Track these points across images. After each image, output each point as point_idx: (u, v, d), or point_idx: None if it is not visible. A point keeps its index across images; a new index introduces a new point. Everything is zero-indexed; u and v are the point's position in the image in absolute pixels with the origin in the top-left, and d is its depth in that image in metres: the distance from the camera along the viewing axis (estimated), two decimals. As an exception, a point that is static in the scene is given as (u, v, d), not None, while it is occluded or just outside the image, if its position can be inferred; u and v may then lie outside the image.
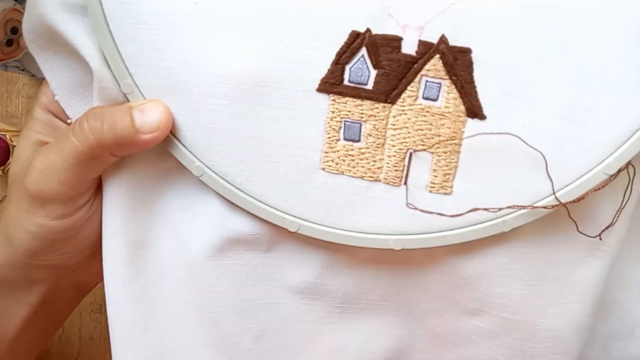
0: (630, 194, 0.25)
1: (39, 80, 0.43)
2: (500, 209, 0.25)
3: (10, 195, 0.28)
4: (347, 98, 0.25)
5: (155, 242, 0.28)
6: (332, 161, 0.26)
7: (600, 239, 0.26)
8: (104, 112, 0.26)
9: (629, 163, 0.25)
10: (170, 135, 0.27)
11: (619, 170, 0.24)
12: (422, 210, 0.25)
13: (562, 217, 0.26)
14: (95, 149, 0.26)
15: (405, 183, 0.26)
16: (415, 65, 0.24)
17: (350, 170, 0.26)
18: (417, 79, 0.25)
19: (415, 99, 0.25)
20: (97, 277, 0.29)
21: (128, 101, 0.26)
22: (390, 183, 0.26)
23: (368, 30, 0.24)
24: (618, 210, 0.26)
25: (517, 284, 0.27)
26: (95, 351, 0.42)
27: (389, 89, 0.25)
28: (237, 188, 0.27)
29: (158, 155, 0.27)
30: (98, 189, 0.28)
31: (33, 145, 0.28)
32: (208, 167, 0.27)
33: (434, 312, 0.29)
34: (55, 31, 0.26)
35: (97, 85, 0.26)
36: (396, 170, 0.26)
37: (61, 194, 0.26)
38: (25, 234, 0.27)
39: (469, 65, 0.24)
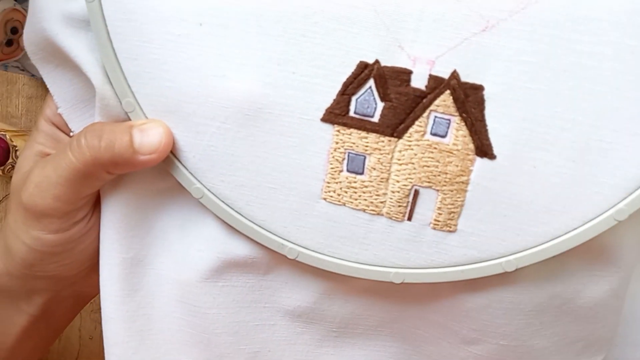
0: None
1: (39, 80, 0.42)
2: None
3: (10, 205, 0.28)
4: (352, 130, 0.24)
5: (151, 261, 0.28)
6: (334, 192, 0.25)
7: None
8: (103, 129, 0.25)
9: None
10: (171, 156, 0.26)
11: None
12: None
13: (566, 254, 0.25)
14: (91, 166, 0.25)
15: (410, 219, 0.25)
16: (424, 100, 0.24)
17: (352, 202, 0.25)
18: (425, 114, 0.24)
19: (423, 135, 0.24)
20: (97, 289, 0.29)
21: (129, 119, 0.26)
22: (393, 218, 0.25)
23: (377, 61, 0.23)
24: None
25: (517, 314, 0.27)
26: (95, 351, 0.43)
27: (395, 123, 0.24)
28: (236, 212, 0.26)
29: (158, 174, 0.27)
30: (96, 204, 0.28)
31: (35, 157, 0.28)
32: (208, 190, 0.26)
33: (432, 340, 0.29)
34: (57, 46, 0.25)
35: (99, 102, 0.26)
36: (399, 206, 0.25)
37: (56, 209, 0.26)
38: (22, 245, 0.27)
39: (481, 102, 0.23)
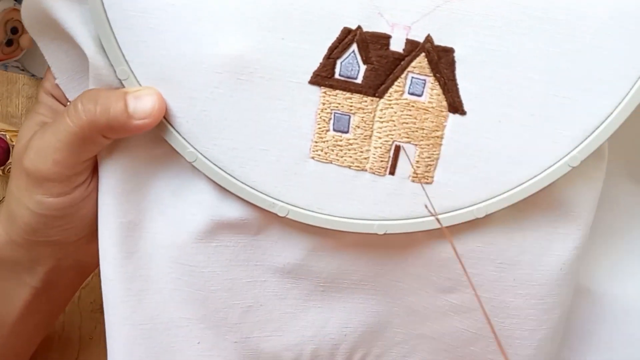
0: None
1: (39, 80, 0.43)
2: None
3: (13, 172, 0.29)
4: (337, 91, 0.27)
5: (147, 225, 0.29)
6: (322, 150, 0.27)
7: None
8: (99, 95, 0.26)
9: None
10: (165, 122, 0.27)
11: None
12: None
13: (530, 204, 0.28)
14: (88, 130, 0.26)
15: (393, 173, 0.27)
16: (402, 62, 0.26)
17: (338, 160, 0.27)
18: (403, 75, 0.26)
19: (402, 94, 0.27)
20: (97, 259, 0.30)
21: (124, 87, 0.27)
22: (376, 173, 0.28)
23: (359, 27, 0.26)
24: None
25: (489, 265, 0.29)
26: (95, 351, 0.43)
27: (377, 84, 0.26)
28: (229, 174, 0.28)
29: (152, 140, 0.28)
30: (95, 169, 0.29)
31: (36, 127, 0.29)
32: (201, 154, 0.28)
33: (411, 290, 0.31)
34: (52, 18, 0.26)
35: (92, 72, 0.27)
36: (381, 161, 0.27)
37: (57, 173, 0.27)
38: (25, 209, 0.28)
39: (452, 63, 0.26)
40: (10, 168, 0.40)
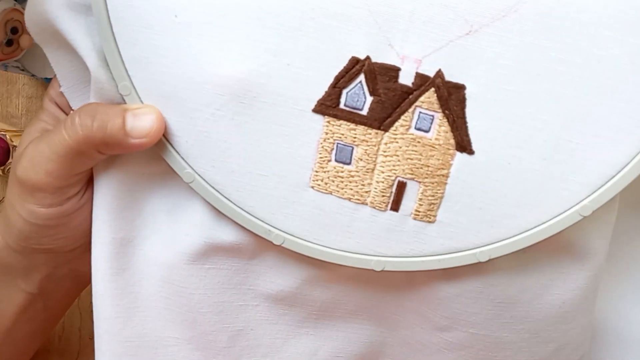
0: None
1: (39, 80, 0.43)
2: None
3: (9, 179, 0.29)
4: (341, 121, 0.26)
5: (140, 243, 0.29)
6: (322, 180, 0.27)
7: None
8: (97, 110, 0.26)
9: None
10: (164, 140, 0.27)
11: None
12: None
13: (536, 248, 0.27)
14: (83, 145, 0.26)
15: (395, 209, 0.26)
16: (410, 96, 0.25)
17: (338, 191, 0.27)
18: (411, 110, 0.25)
19: (408, 129, 0.26)
20: None
21: (124, 102, 0.27)
22: (377, 207, 0.27)
23: (368, 57, 0.25)
24: None
25: (488, 305, 0.28)
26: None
27: (383, 117, 0.26)
28: (225, 198, 0.27)
29: (150, 158, 0.28)
30: (90, 181, 0.29)
31: (37, 133, 0.29)
32: (199, 175, 0.27)
33: (406, 324, 0.30)
34: (56, 28, 0.26)
35: (93, 85, 0.26)
36: (383, 196, 0.26)
37: (48, 183, 0.27)
38: (18, 217, 0.28)
39: (462, 100, 0.25)
40: (10, 168, 0.40)
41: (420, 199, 0.26)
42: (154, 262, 0.29)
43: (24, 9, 0.27)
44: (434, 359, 0.30)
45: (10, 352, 0.33)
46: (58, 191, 0.27)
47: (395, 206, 0.26)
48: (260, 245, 0.28)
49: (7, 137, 0.40)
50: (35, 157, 0.26)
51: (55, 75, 0.29)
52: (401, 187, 0.26)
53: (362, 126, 0.26)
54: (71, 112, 0.28)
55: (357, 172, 0.26)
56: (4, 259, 0.30)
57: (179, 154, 0.27)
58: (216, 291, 0.29)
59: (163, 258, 0.29)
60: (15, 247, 0.29)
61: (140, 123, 0.25)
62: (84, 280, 0.34)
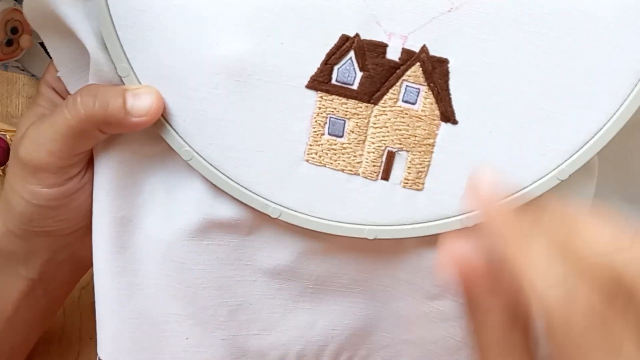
0: None
1: (39, 80, 0.43)
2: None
3: (10, 162, 0.29)
4: (333, 96, 0.27)
5: (140, 221, 0.30)
6: (316, 154, 0.28)
7: None
8: (98, 90, 0.27)
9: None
10: (162, 120, 0.28)
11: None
12: None
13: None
14: (85, 124, 0.27)
15: (386, 179, 0.28)
16: (397, 71, 0.27)
17: (332, 163, 0.28)
18: (398, 83, 0.27)
19: (396, 102, 0.27)
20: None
21: (122, 84, 0.28)
22: (368, 177, 0.28)
23: (357, 35, 0.26)
24: None
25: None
26: (95, 351, 0.43)
27: (372, 91, 0.27)
28: (223, 174, 0.28)
29: (149, 138, 0.29)
30: (90, 161, 0.29)
31: (34, 118, 0.29)
32: (197, 153, 0.28)
33: (399, 296, 0.31)
34: (54, 13, 0.27)
35: (92, 67, 0.27)
36: (374, 166, 0.28)
37: (50, 163, 0.27)
38: (20, 199, 0.28)
39: (446, 74, 0.27)
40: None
41: (409, 167, 0.28)
42: (154, 240, 0.30)
43: (24, 9, 0.28)
44: (427, 331, 0.32)
45: (12, 340, 0.34)
46: (60, 171, 0.28)
47: (386, 175, 0.28)
48: (257, 220, 0.29)
49: (7, 137, 0.40)
50: (38, 138, 0.27)
51: (51, 61, 0.30)
52: (390, 156, 0.28)
53: (353, 100, 0.27)
54: (71, 94, 0.29)
55: (349, 144, 0.28)
56: (4, 245, 0.30)
57: (177, 133, 0.28)
58: (215, 267, 0.30)
59: (163, 235, 0.30)
60: (17, 231, 0.30)
61: (140, 102, 0.26)
62: (84, 265, 0.34)
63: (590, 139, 0.27)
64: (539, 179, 0.28)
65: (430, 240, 0.29)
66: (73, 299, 0.41)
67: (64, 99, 0.30)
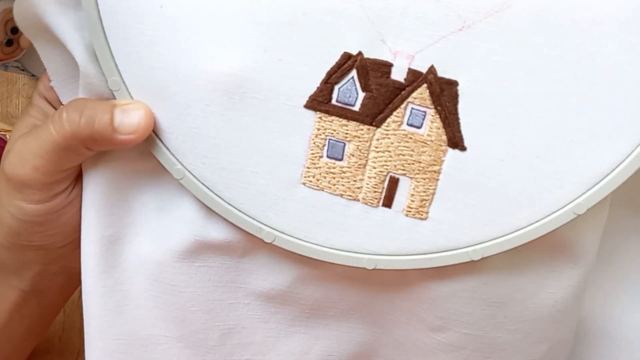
0: None
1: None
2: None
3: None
4: (333, 117, 0.25)
5: (129, 240, 0.29)
6: (314, 177, 0.26)
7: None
8: (85, 106, 0.26)
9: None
10: (154, 136, 0.27)
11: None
12: None
13: (529, 246, 0.27)
14: (70, 141, 0.25)
15: (388, 205, 0.26)
16: (402, 92, 0.25)
17: (330, 188, 0.26)
18: (403, 106, 0.25)
19: (400, 125, 0.25)
20: None
21: (113, 97, 0.26)
22: (369, 203, 0.26)
23: (360, 53, 0.25)
24: None
25: (481, 304, 0.28)
26: None
27: (375, 113, 0.25)
28: (216, 195, 0.27)
29: (140, 154, 0.27)
30: (78, 177, 0.28)
31: (26, 129, 0.28)
32: (189, 171, 0.27)
33: (400, 324, 0.30)
34: (44, 22, 0.26)
35: (82, 80, 0.26)
36: (375, 192, 0.26)
37: (35, 179, 0.26)
38: (7, 213, 0.27)
39: (455, 97, 0.25)
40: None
41: (412, 195, 0.26)
42: (144, 260, 0.29)
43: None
44: None
45: (6, 350, 0.33)
46: (45, 187, 0.27)
47: (387, 202, 0.26)
48: (251, 243, 0.28)
49: (7, 137, 0.40)
50: (23, 153, 0.26)
51: (45, 70, 0.29)
52: (393, 182, 0.26)
53: (354, 122, 0.25)
54: (60, 107, 0.28)
55: (349, 168, 0.26)
56: None
57: (169, 150, 0.27)
58: (207, 289, 0.29)
59: (153, 256, 0.28)
60: (6, 244, 0.29)
61: (128, 119, 0.25)
62: (77, 277, 0.33)
63: (612, 171, 0.25)
64: (554, 212, 0.26)
65: (434, 272, 0.28)
66: (73, 299, 0.41)
67: (56, 109, 0.29)
